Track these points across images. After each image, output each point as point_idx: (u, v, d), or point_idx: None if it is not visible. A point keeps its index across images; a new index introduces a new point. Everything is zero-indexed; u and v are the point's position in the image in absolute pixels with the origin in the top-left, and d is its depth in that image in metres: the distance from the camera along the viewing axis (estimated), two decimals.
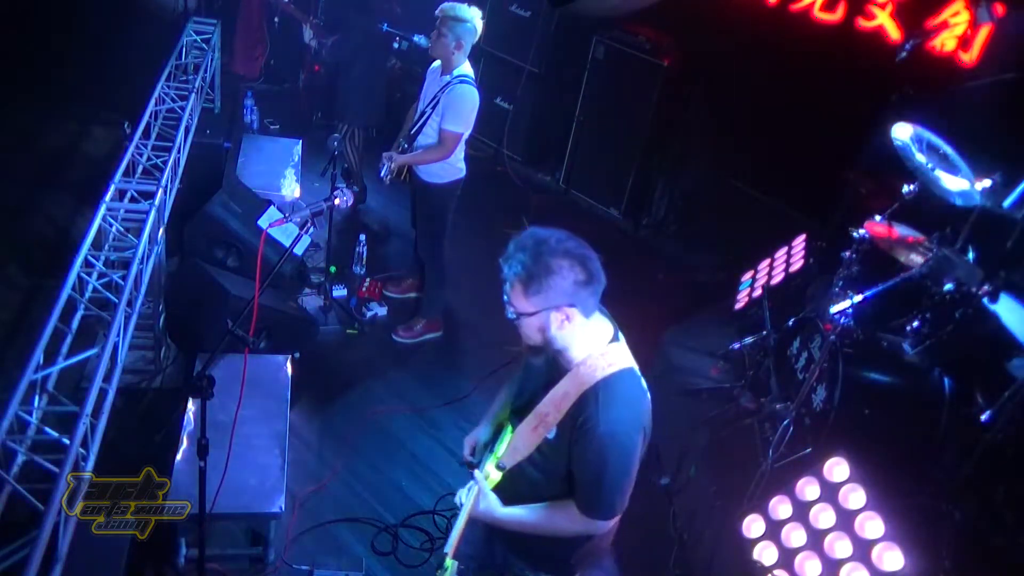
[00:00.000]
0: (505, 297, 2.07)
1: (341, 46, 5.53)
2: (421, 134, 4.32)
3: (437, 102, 4.21)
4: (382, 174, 4.39)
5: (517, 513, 2.21)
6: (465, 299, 5.09)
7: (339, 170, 4.78)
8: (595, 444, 2.02)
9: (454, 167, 4.39)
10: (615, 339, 2.15)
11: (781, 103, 5.24)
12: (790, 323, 3.95)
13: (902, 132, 3.80)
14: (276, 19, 7.08)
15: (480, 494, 2.23)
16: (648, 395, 2.16)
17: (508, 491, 2.25)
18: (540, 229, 2.04)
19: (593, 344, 2.10)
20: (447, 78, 4.20)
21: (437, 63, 4.31)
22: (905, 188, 3.73)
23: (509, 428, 2.32)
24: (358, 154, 5.77)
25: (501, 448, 2.29)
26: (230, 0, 7.15)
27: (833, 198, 4.96)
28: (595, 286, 2.02)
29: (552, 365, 2.15)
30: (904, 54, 3.81)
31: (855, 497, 3.06)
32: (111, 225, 3.77)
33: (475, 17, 4.13)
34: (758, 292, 4.56)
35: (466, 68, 4.24)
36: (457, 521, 2.35)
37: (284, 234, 4.44)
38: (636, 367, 2.15)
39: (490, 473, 2.28)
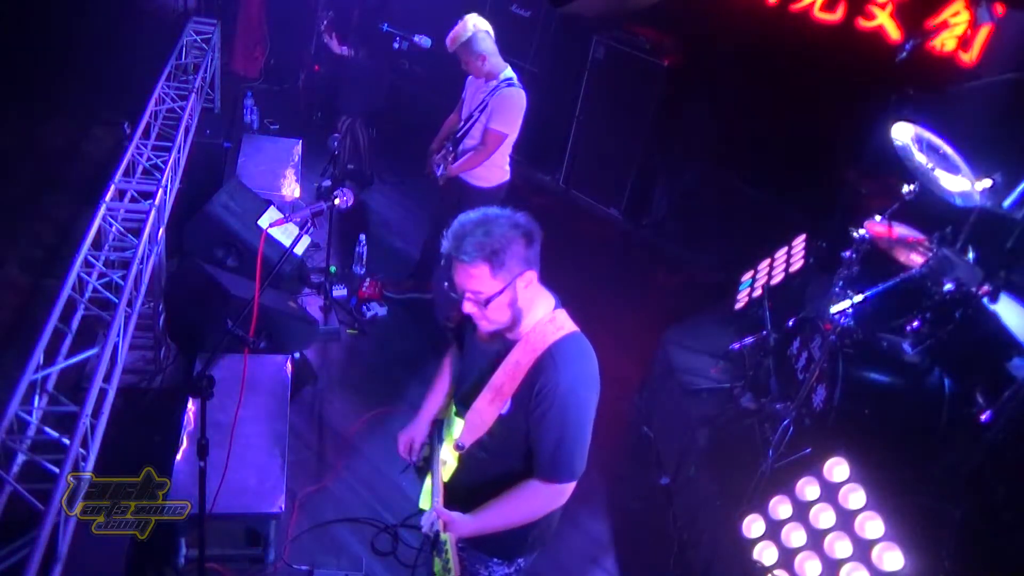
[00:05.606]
0: (465, 293, 2.04)
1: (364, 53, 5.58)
2: (467, 136, 4.38)
3: (485, 105, 4.27)
4: (438, 173, 4.51)
5: (487, 517, 2.18)
6: None
7: (339, 170, 4.79)
8: (557, 404, 2.04)
9: (500, 168, 4.46)
10: (558, 306, 2.19)
11: (781, 103, 5.24)
12: (790, 323, 3.94)
13: (902, 132, 3.79)
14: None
15: (449, 525, 2.16)
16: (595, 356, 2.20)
17: (459, 475, 2.26)
18: (463, 215, 2.04)
19: (541, 311, 2.14)
20: (494, 83, 4.27)
21: None
22: (905, 188, 3.73)
23: (453, 412, 2.32)
24: (366, 141, 5.79)
25: (455, 430, 2.28)
26: (230, 0, 7.17)
27: (833, 198, 4.96)
28: (537, 244, 2.06)
29: (500, 342, 2.14)
30: (904, 54, 3.80)
31: (855, 497, 3.06)
32: (111, 225, 3.77)
33: (475, 25, 4.17)
34: (758, 292, 4.56)
35: (508, 71, 4.31)
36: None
37: (284, 234, 4.45)
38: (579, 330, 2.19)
39: (447, 460, 2.28)
